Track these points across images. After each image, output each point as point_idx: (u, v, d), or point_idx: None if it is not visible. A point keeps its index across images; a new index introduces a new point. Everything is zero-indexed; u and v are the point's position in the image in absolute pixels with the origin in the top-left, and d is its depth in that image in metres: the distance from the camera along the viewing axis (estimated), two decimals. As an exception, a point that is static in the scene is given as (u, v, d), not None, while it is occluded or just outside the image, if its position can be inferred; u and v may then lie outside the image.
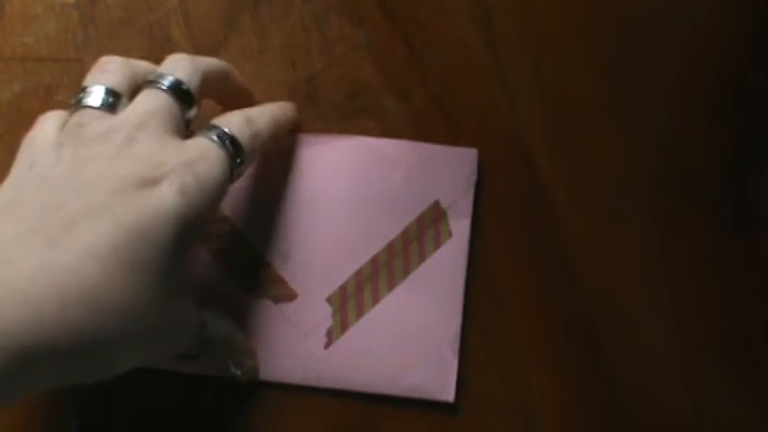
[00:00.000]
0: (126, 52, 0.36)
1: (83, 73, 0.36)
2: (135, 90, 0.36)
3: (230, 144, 0.35)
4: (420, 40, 0.46)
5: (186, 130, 0.36)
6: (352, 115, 0.44)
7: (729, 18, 0.46)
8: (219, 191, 0.34)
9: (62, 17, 0.46)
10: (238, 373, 0.39)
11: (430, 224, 0.41)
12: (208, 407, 0.41)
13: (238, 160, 0.35)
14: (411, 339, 0.41)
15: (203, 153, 0.34)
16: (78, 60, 0.45)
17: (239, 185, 0.40)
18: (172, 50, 0.39)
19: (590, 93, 0.45)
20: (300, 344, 0.40)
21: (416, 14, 0.46)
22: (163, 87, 0.35)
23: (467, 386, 0.42)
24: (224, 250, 0.41)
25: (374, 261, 0.41)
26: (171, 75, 0.35)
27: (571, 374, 0.43)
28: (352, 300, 0.41)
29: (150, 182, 0.31)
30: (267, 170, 0.42)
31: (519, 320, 0.43)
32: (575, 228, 0.44)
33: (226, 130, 0.35)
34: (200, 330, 0.36)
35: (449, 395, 0.41)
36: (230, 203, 0.41)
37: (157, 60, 0.37)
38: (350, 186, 0.41)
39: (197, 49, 0.45)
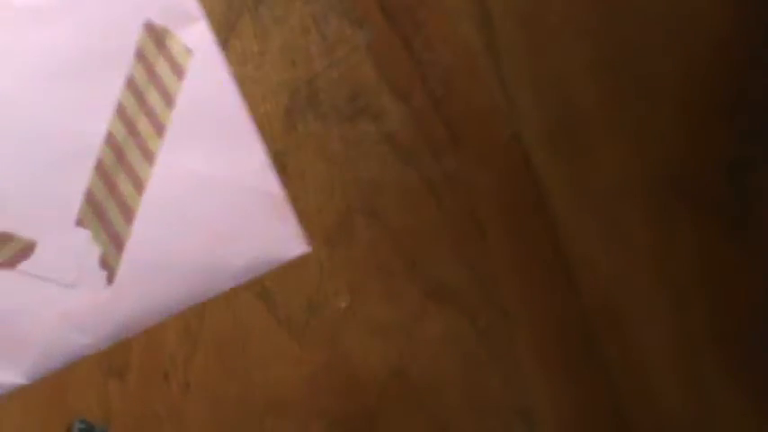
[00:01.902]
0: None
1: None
2: None
3: None
4: (420, 41, 0.46)
5: None
6: (352, 117, 0.44)
7: (730, 19, 0.46)
8: None
9: (62, 18, 0.46)
10: None
11: (156, 55, 0.29)
12: (208, 407, 0.42)
13: None
14: (214, 206, 0.30)
15: None
16: (78, 61, 0.45)
17: None
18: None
19: (590, 93, 0.45)
20: (76, 300, 0.29)
21: (416, 15, 0.46)
22: None
23: (468, 386, 0.42)
24: None
25: (110, 141, 0.28)
26: None
27: (571, 375, 0.43)
28: (109, 204, 0.28)
29: None
30: None
31: (518, 321, 0.43)
32: (575, 228, 0.44)
33: None
34: None
35: (300, 245, 0.32)
36: None
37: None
38: (12, 75, 0.28)
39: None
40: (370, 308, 0.43)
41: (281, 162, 0.43)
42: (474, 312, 0.43)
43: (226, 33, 0.45)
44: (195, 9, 0.31)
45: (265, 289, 0.41)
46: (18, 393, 0.40)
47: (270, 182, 0.32)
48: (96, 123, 0.29)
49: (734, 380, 0.43)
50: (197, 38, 0.32)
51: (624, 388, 0.43)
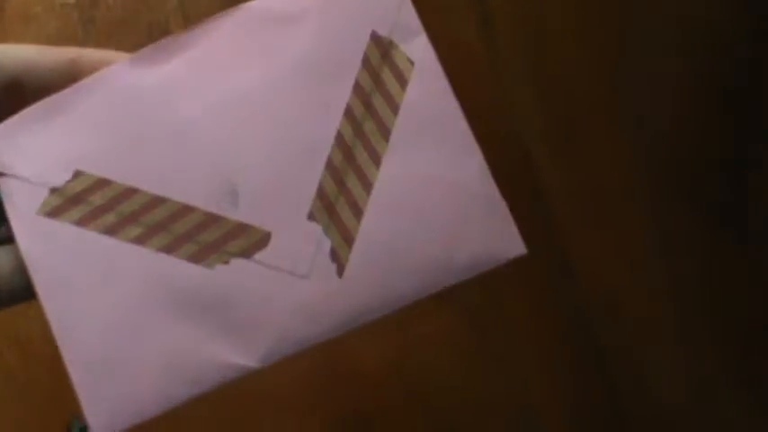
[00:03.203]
0: (126, 52, 0.36)
1: (83, 73, 0.36)
2: None
3: None
4: (420, 40, 0.46)
5: None
6: (352, 115, 0.45)
7: (729, 19, 0.46)
8: None
9: (62, 17, 0.46)
10: None
11: (381, 64, 0.32)
12: (207, 407, 0.41)
13: None
14: (438, 205, 0.31)
15: None
16: (78, 60, 0.45)
17: (118, 142, 0.31)
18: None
19: (590, 93, 0.45)
20: (308, 290, 0.31)
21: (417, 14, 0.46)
22: None
23: (468, 386, 0.42)
24: (150, 230, 0.31)
25: (339, 141, 0.31)
26: None
27: (571, 374, 0.43)
28: (339, 200, 0.31)
29: None
30: (150, 107, 0.31)
31: (519, 320, 0.43)
32: (575, 228, 0.44)
33: None
34: None
35: (519, 246, 0.35)
36: (135, 168, 0.31)
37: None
38: (259, 74, 0.31)
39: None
40: (369, 307, 0.43)
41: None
42: (474, 312, 0.43)
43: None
44: (416, 24, 0.32)
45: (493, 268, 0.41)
46: (19, 393, 0.40)
47: (489, 185, 0.33)
48: (328, 124, 0.31)
49: (734, 380, 0.43)
50: (419, 50, 0.32)
51: (624, 387, 0.43)
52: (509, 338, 0.43)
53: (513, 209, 0.46)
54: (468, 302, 0.43)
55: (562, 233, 0.44)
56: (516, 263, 0.45)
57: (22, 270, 0.30)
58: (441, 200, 0.31)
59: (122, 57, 0.32)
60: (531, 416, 0.42)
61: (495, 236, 0.31)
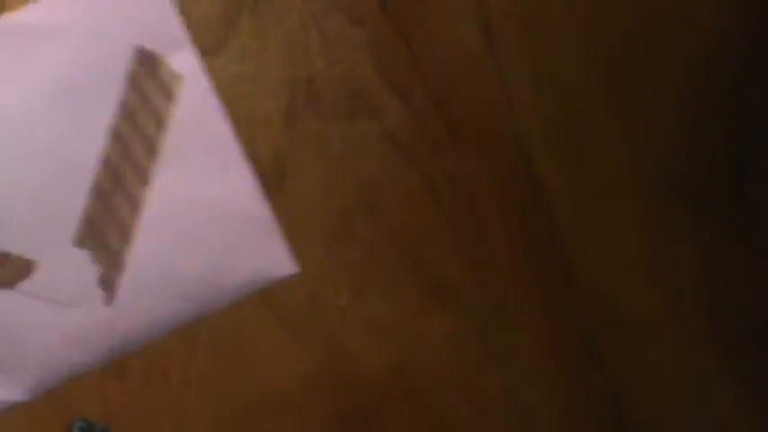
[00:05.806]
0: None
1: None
2: None
3: None
4: (420, 40, 0.46)
5: None
6: (352, 115, 0.44)
7: (729, 19, 0.46)
8: None
9: (62, 17, 0.46)
10: None
11: (147, 79, 0.30)
12: (208, 406, 0.41)
13: None
14: (209, 226, 0.31)
15: None
16: (78, 60, 0.45)
17: None
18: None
19: (590, 93, 0.45)
20: (76, 319, 0.30)
21: (416, 14, 0.46)
22: None
23: (468, 386, 0.42)
24: None
25: (105, 163, 0.29)
26: None
27: (571, 374, 0.43)
28: (107, 225, 0.29)
29: None
30: None
31: (518, 321, 0.43)
32: (575, 228, 0.44)
33: None
34: None
35: (290, 265, 0.33)
36: None
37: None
38: (14, 92, 0.28)
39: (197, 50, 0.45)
40: (369, 306, 0.43)
41: (281, 160, 0.43)
42: (474, 312, 0.43)
43: (225, 31, 0.45)
44: (181, 36, 0.32)
45: (265, 288, 0.41)
46: (17, 393, 0.40)
47: (258, 206, 0.33)
48: (90, 144, 0.29)
49: (734, 380, 0.43)
50: (185, 63, 0.32)
51: (624, 388, 0.43)
52: (509, 338, 0.43)
53: (514, 209, 0.47)
54: (468, 302, 0.43)
55: (562, 233, 0.44)
56: (517, 263, 0.46)
57: None
58: (211, 221, 0.31)
59: None
60: (531, 416, 0.42)
61: (266, 256, 0.31)
